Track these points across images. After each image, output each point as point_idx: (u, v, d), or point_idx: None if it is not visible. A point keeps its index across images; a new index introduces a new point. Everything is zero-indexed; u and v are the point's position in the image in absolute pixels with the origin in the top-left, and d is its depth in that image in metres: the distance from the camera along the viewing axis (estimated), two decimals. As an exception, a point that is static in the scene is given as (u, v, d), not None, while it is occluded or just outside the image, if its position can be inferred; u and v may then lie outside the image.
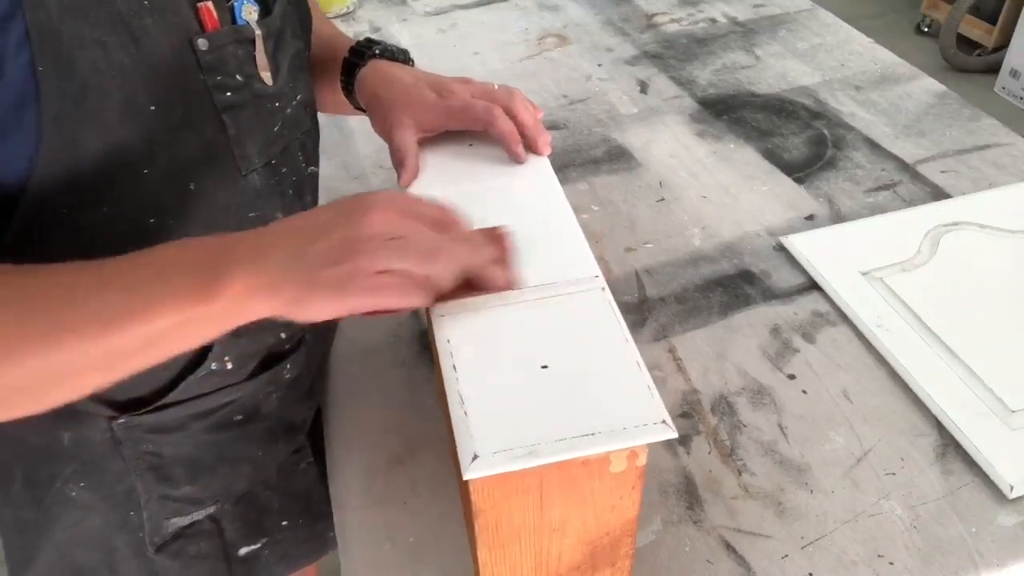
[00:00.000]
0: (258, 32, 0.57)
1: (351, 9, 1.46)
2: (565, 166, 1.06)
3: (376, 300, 0.45)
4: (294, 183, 0.65)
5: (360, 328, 0.85)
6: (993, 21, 2.93)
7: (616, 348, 0.49)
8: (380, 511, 0.68)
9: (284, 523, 0.77)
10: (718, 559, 0.64)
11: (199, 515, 0.70)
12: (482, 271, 0.51)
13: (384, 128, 0.67)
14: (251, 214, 0.61)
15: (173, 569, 0.70)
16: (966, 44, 3.00)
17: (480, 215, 0.59)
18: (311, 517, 0.80)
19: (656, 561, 0.64)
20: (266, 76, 0.58)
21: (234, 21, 0.56)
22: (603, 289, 0.53)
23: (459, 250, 0.49)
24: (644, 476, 0.48)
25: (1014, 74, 2.77)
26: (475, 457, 0.43)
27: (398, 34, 1.39)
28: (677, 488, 0.69)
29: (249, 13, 0.57)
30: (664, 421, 0.45)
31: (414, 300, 0.47)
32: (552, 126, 1.14)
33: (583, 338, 0.50)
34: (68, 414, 0.59)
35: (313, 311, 0.45)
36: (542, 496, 0.48)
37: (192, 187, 0.54)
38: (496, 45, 1.34)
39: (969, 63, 2.94)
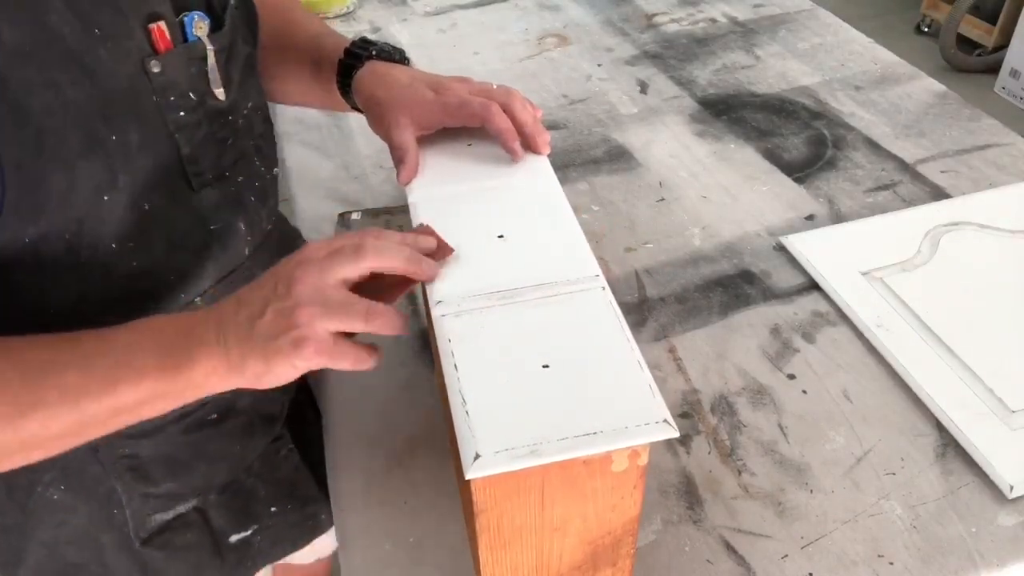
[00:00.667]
0: (210, 47, 0.57)
1: (351, 9, 1.46)
2: (565, 166, 1.06)
3: (330, 362, 0.50)
4: (256, 188, 0.66)
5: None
6: (993, 21, 2.93)
7: (617, 347, 0.49)
8: (380, 511, 0.68)
9: (273, 509, 0.78)
10: (718, 559, 0.64)
11: (182, 508, 0.71)
12: (409, 272, 0.53)
13: (382, 128, 0.67)
14: (213, 227, 0.62)
15: (162, 560, 0.71)
16: (966, 44, 3.00)
17: (479, 214, 0.59)
18: (299, 501, 0.80)
19: (656, 561, 0.64)
20: (219, 92, 0.59)
21: (185, 39, 0.56)
22: (603, 288, 0.53)
23: (383, 260, 0.52)
24: (645, 475, 0.49)
25: (1014, 74, 2.77)
26: (477, 456, 0.43)
27: (398, 34, 1.39)
28: (677, 488, 0.69)
29: (199, 28, 0.56)
30: (666, 420, 0.45)
31: (367, 365, 0.52)
32: (552, 126, 1.14)
33: (584, 337, 0.50)
34: None
35: (275, 379, 0.50)
36: (544, 495, 0.48)
37: (147, 207, 0.55)
38: (496, 45, 1.34)
39: (969, 63, 2.94)
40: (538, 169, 0.65)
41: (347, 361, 0.50)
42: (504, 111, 0.65)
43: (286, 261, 0.52)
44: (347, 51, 0.72)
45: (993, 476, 0.67)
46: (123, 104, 0.51)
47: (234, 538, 0.76)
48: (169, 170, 0.56)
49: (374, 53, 0.71)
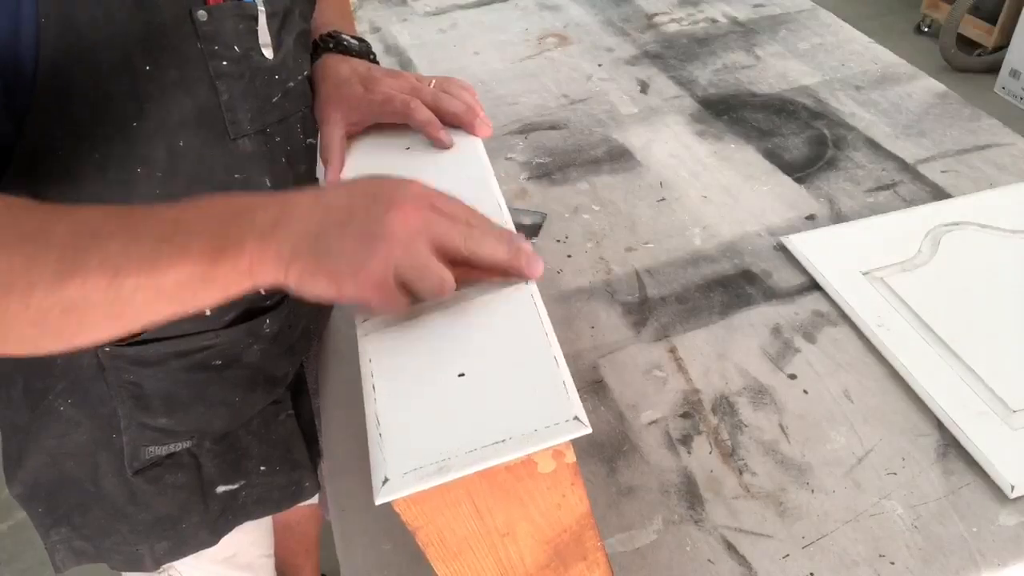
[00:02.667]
0: (262, 9, 0.59)
1: (351, 9, 1.46)
2: (566, 166, 1.06)
3: (372, 301, 0.47)
4: (288, 152, 0.67)
5: (361, 328, 0.85)
6: (993, 21, 2.93)
7: (535, 346, 0.47)
8: (380, 511, 0.68)
9: (262, 468, 0.79)
10: (719, 559, 0.64)
11: (176, 447, 0.72)
12: (513, 267, 0.50)
13: (318, 124, 0.69)
14: (236, 175, 0.62)
15: (151, 493, 0.73)
16: (966, 44, 3.00)
17: None
18: (289, 465, 0.81)
19: (657, 561, 0.64)
20: (267, 51, 0.60)
21: None
22: (527, 282, 0.51)
23: (482, 256, 0.49)
24: (579, 472, 0.47)
25: (1014, 74, 2.77)
26: (386, 480, 0.42)
27: (398, 34, 1.39)
28: (678, 488, 0.69)
29: None
30: (576, 417, 0.43)
31: (400, 312, 0.49)
32: (552, 126, 1.14)
33: (504, 339, 0.48)
34: None
35: (314, 291, 0.46)
36: (476, 505, 0.46)
37: (181, 144, 0.56)
38: (496, 45, 1.34)
39: (969, 63, 2.94)
40: (471, 161, 0.63)
41: (386, 307, 0.48)
42: (434, 103, 0.65)
43: (392, 185, 0.48)
44: (314, 43, 0.74)
45: (994, 476, 0.67)
46: (165, 41, 0.53)
47: (221, 489, 0.77)
48: (207, 113, 0.58)
49: (331, 46, 0.73)
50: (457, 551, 0.48)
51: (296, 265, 0.45)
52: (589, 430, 0.43)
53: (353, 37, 0.75)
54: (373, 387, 0.47)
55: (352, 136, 0.69)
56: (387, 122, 0.67)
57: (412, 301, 0.49)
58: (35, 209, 0.45)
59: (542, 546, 0.51)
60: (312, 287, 0.46)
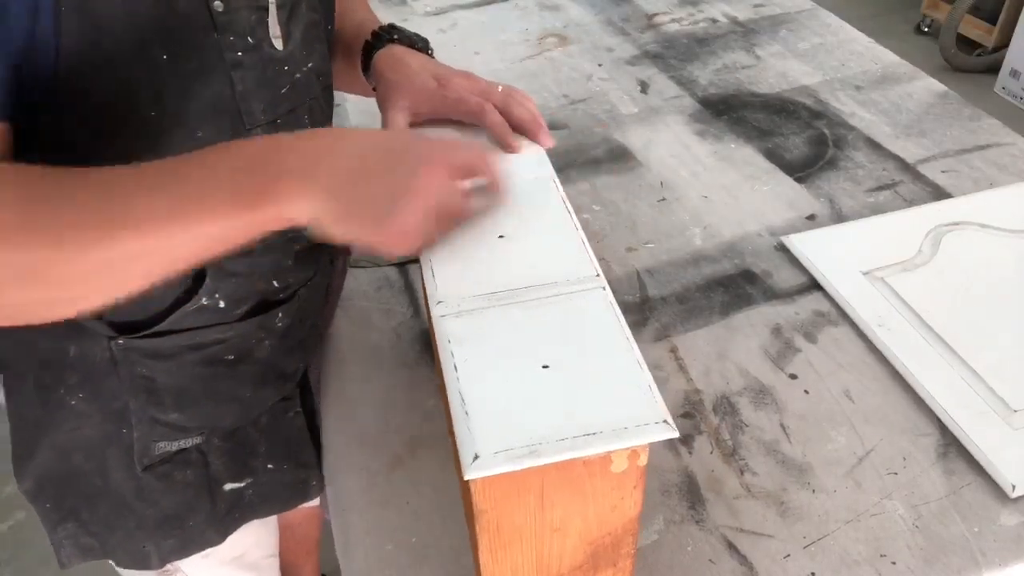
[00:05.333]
0: (272, 1, 0.60)
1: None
2: (566, 166, 1.06)
3: (394, 248, 0.51)
4: None
5: (361, 328, 0.85)
6: (993, 21, 2.93)
7: (617, 347, 0.49)
8: (382, 512, 0.68)
9: (270, 466, 0.79)
10: (720, 559, 0.64)
11: (186, 443, 0.72)
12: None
13: (383, 108, 0.70)
14: None
15: (158, 489, 0.73)
16: (966, 44, 3.00)
17: (480, 214, 0.59)
18: (296, 464, 0.81)
19: (658, 561, 0.64)
20: (277, 41, 0.61)
21: None
22: (604, 288, 0.53)
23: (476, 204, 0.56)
24: (645, 476, 0.48)
25: (1014, 74, 2.77)
26: (476, 457, 0.43)
27: (398, 34, 1.39)
28: (679, 488, 0.69)
29: None
30: (665, 421, 0.45)
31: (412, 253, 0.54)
32: (552, 126, 1.14)
33: (584, 338, 0.50)
34: (75, 329, 0.64)
35: (342, 235, 0.50)
36: (543, 496, 0.47)
37: (200, 135, 0.58)
38: (496, 45, 1.34)
39: (969, 63, 2.94)
40: (539, 169, 0.65)
41: (403, 250, 0.52)
42: (502, 110, 0.67)
43: (424, 145, 0.54)
44: (373, 33, 0.75)
45: (995, 475, 0.67)
46: (182, 31, 0.54)
47: (228, 486, 0.77)
48: (223, 103, 0.59)
49: (396, 37, 0.74)
50: (508, 541, 0.50)
51: (330, 210, 0.49)
52: (676, 434, 0.45)
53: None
54: (455, 367, 0.48)
55: (413, 125, 0.70)
56: (454, 118, 0.69)
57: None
58: (64, 173, 0.47)
59: (584, 547, 0.52)
60: (339, 231, 0.50)
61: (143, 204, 0.46)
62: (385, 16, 1.44)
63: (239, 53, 0.58)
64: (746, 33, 1.36)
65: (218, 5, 0.56)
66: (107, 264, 0.46)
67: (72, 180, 0.47)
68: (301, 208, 0.48)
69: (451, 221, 0.56)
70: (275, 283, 0.69)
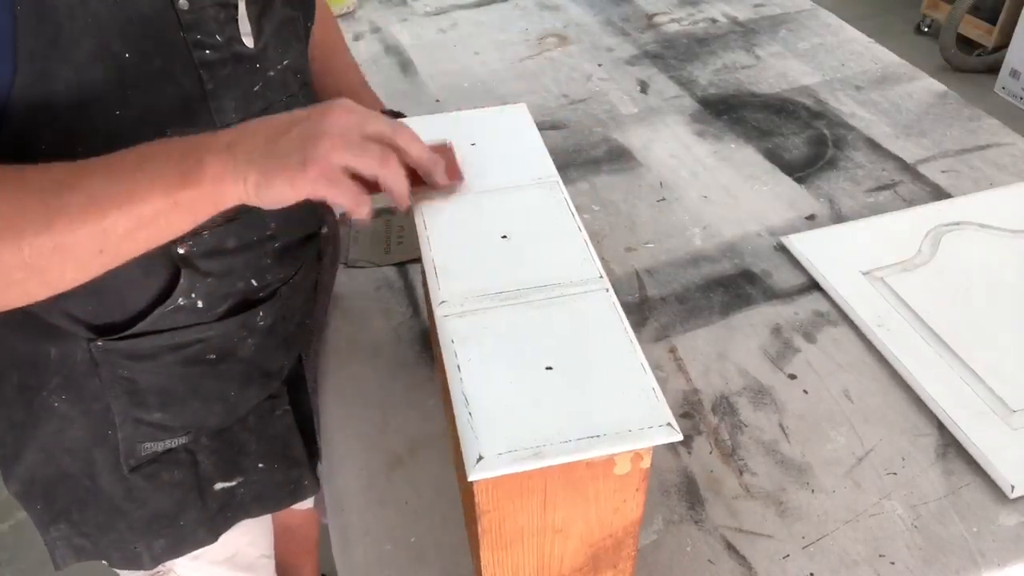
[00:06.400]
0: None
1: (351, 9, 1.46)
2: (566, 166, 1.06)
3: (329, 192, 0.51)
4: None
5: (361, 328, 0.85)
6: (993, 21, 2.93)
7: (621, 350, 0.49)
8: (381, 512, 0.68)
9: (260, 465, 0.79)
10: (719, 559, 0.64)
11: (172, 443, 0.72)
12: (428, 173, 0.58)
13: None
14: None
15: (147, 489, 0.73)
16: (966, 44, 3.00)
17: (483, 215, 0.59)
18: (287, 462, 0.81)
19: (657, 561, 0.64)
20: (247, 39, 0.61)
21: None
22: (607, 290, 0.53)
23: (409, 151, 0.55)
24: (648, 478, 0.48)
25: (1014, 74, 2.77)
26: (480, 458, 0.43)
27: (398, 34, 1.39)
28: (678, 488, 0.69)
29: None
30: (669, 424, 0.44)
31: (362, 209, 0.53)
32: (553, 126, 1.14)
33: (587, 340, 0.50)
34: (54, 331, 0.65)
35: (273, 195, 0.51)
36: (546, 497, 0.48)
37: (168, 134, 0.57)
38: (496, 45, 1.34)
39: (969, 63, 2.94)
40: (542, 170, 0.65)
41: (345, 197, 0.52)
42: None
43: (326, 102, 0.54)
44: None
45: (994, 476, 0.67)
46: (146, 30, 0.54)
47: (219, 486, 0.77)
48: (193, 102, 0.59)
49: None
50: (509, 541, 0.50)
51: (252, 175, 0.50)
52: (680, 437, 0.44)
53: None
54: (458, 367, 0.48)
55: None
56: None
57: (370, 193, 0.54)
58: (10, 167, 0.49)
59: (585, 548, 0.52)
60: (269, 192, 0.50)
61: (80, 191, 0.48)
62: (385, 16, 1.45)
63: (207, 51, 0.58)
64: (746, 33, 1.36)
65: (183, 4, 0.55)
66: (49, 251, 0.48)
67: (12, 175, 0.49)
68: (225, 181, 0.50)
69: (386, 149, 0.54)
70: (254, 282, 0.69)
